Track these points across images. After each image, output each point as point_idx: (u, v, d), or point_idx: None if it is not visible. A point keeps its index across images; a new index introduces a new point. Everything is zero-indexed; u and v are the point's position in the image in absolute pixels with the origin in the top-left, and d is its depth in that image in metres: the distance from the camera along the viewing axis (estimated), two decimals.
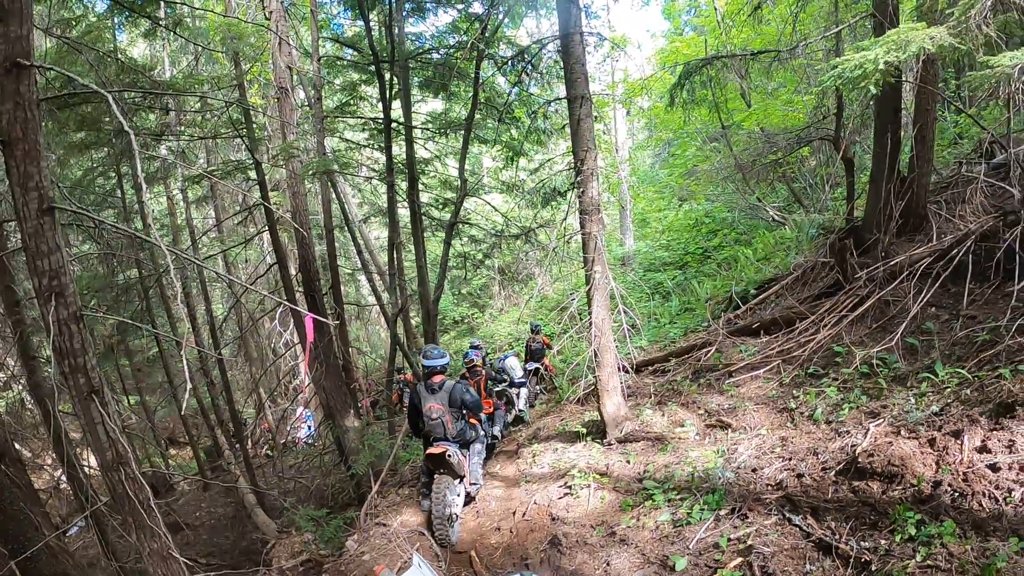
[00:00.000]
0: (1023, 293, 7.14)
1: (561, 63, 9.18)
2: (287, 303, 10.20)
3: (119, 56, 10.74)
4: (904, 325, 7.99)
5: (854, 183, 11.26)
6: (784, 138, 13.12)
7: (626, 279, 17.08)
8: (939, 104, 11.13)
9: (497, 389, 11.35)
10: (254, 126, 12.84)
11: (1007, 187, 9.01)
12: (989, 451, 5.36)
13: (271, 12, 11.82)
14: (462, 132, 13.95)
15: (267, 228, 13.18)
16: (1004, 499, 4.82)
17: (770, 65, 11.85)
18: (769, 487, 6.27)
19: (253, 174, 12.83)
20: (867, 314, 8.85)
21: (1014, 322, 6.79)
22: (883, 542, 4.85)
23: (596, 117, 9.25)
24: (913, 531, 4.78)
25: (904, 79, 9.52)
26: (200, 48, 13.89)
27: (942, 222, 9.33)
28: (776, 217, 15.48)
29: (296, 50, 13.75)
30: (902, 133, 9.87)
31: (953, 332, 7.53)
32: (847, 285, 9.61)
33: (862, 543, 4.93)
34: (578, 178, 8.16)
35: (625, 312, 8.57)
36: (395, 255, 13.75)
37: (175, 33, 12.06)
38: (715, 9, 15.98)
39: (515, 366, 11.69)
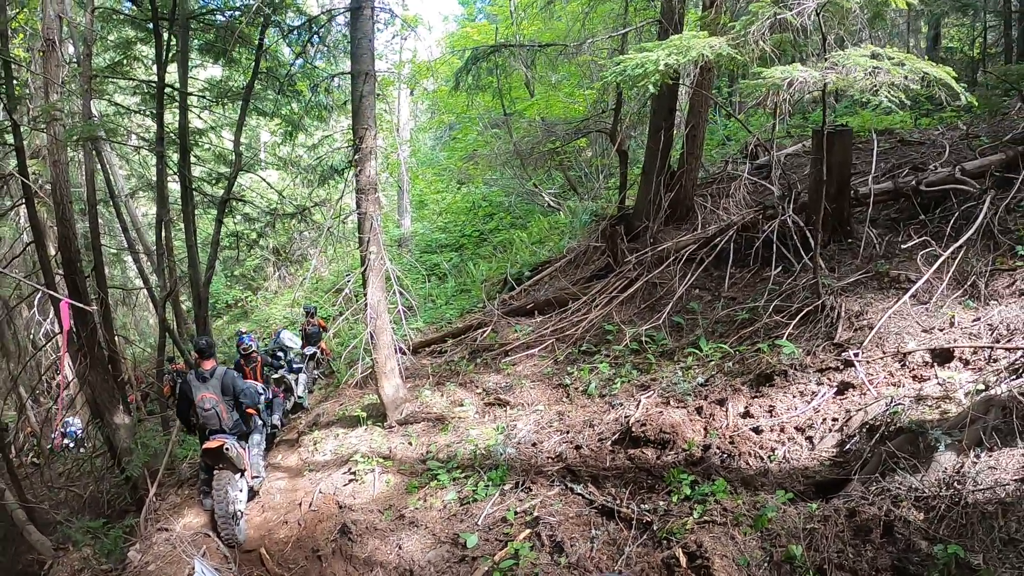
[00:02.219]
0: (779, 278, 7.90)
1: (349, 37, 8.77)
2: (44, 288, 8.76)
3: None
4: (671, 305, 8.53)
5: (627, 174, 11.89)
6: (563, 128, 13.56)
7: (403, 261, 16.81)
8: (711, 108, 12.10)
9: (275, 376, 10.64)
10: (14, 83, 10.94)
11: (768, 184, 9.96)
12: (752, 416, 5.82)
13: None
14: (240, 102, 12.93)
15: (24, 201, 11.30)
16: (768, 457, 5.22)
17: (557, 58, 12.20)
18: (550, 460, 6.35)
19: (10, 138, 10.91)
20: (636, 295, 9.31)
21: (771, 303, 7.46)
22: (661, 503, 5.04)
23: (380, 95, 8.96)
24: (688, 491, 5.02)
25: (682, 82, 10.17)
26: None
27: (707, 213, 10.10)
28: (552, 203, 16.00)
29: None
30: (675, 131, 10.58)
31: (716, 311, 8.13)
32: (617, 268, 10.06)
33: (642, 505, 5.10)
34: (356, 156, 7.85)
35: (401, 293, 8.39)
36: (164, 233, 12.46)
37: None
38: None
39: (291, 337, 11.00)
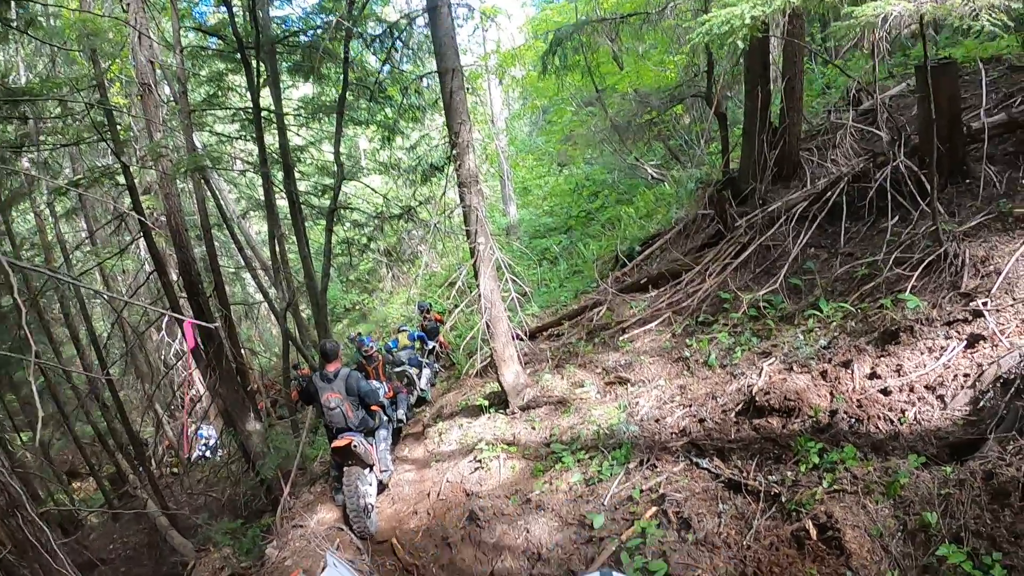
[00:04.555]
0: (896, 228, 7.51)
1: (431, 37, 8.94)
2: (167, 312, 9.56)
3: None
4: (786, 267, 8.26)
5: (728, 137, 11.54)
6: (658, 98, 13.29)
7: (512, 248, 17.00)
8: (806, 56, 11.55)
9: (397, 371, 11.10)
10: (118, 127, 11.86)
11: (875, 131, 9.42)
12: (879, 377, 5.61)
13: (128, 4, 10.90)
14: (334, 116, 13.42)
15: (142, 235, 12.30)
16: (899, 420, 5.03)
17: (640, 27, 11.91)
18: (674, 435, 6.34)
19: (122, 179, 11.90)
20: (750, 260, 9.08)
21: (890, 256, 7.10)
22: (789, 474, 4.97)
23: (469, 89, 9.08)
24: (816, 460, 4.92)
25: (771, 34, 9.77)
26: (56, 48, 12.66)
27: (815, 168, 9.69)
28: (655, 175, 15.75)
29: (157, 43, 12.67)
30: (772, 86, 10.17)
31: (833, 270, 7.82)
32: (728, 234, 9.84)
33: (769, 477, 5.04)
34: (454, 151, 7.99)
35: (513, 281, 8.47)
36: (277, 248, 13.14)
37: (28, 34, 10.93)
38: None
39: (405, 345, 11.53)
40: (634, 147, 16.24)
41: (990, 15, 5.11)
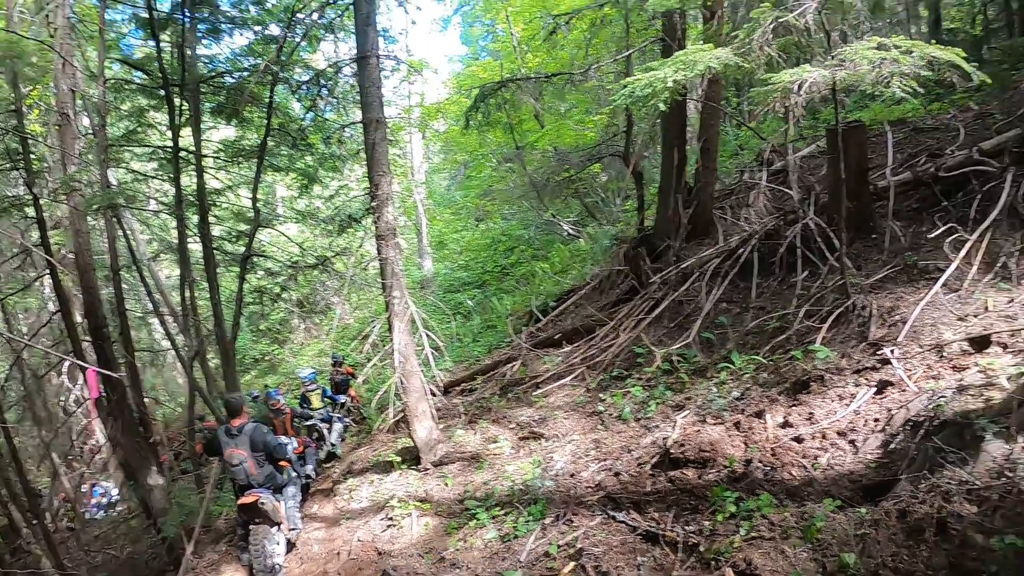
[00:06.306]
0: (806, 282, 7.78)
1: (357, 87, 8.94)
2: (70, 358, 8.94)
3: None
4: (699, 322, 8.39)
5: (644, 195, 11.82)
6: (577, 156, 13.59)
7: (427, 302, 16.77)
8: (722, 119, 12.04)
9: (306, 425, 10.64)
10: (32, 156, 11.26)
11: (786, 190, 9.85)
12: (792, 425, 5.64)
13: (56, 29, 10.45)
14: (255, 160, 13.13)
15: (48, 272, 11.59)
16: (812, 466, 5.05)
17: (564, 87, 12.25)
18: (590, 489, 6.21)
19: (31, 211, 11.24)
20: (663, 315, 9.19)
21: (800, 309, 7.31)
22: (707, 523, 4.88)
23: (392, 141, 9.09)
24: (733, 508, 4.86)
25: (690, 97, 10.16)
26: None
27: (728, 226, 10.00)
28: (571, 231, 15.97)
29: (81, 72, 12.19)
30: (688, 147, 10.52)
31: (745, 323, 7.98)
32: (643, 290, 9.96)
33: (687, 527, 4.94)
34: (373, 203, 7.97)
35: (428, 335, 8.43)
36: (188, 293, 12.57)
37: None
38: (512, 34, 16.36)
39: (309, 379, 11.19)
40: (551, 204, 16.47)
41: (901, 82, 5.41)
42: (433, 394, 8.80)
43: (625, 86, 6.81)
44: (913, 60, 5.39)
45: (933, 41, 5.80)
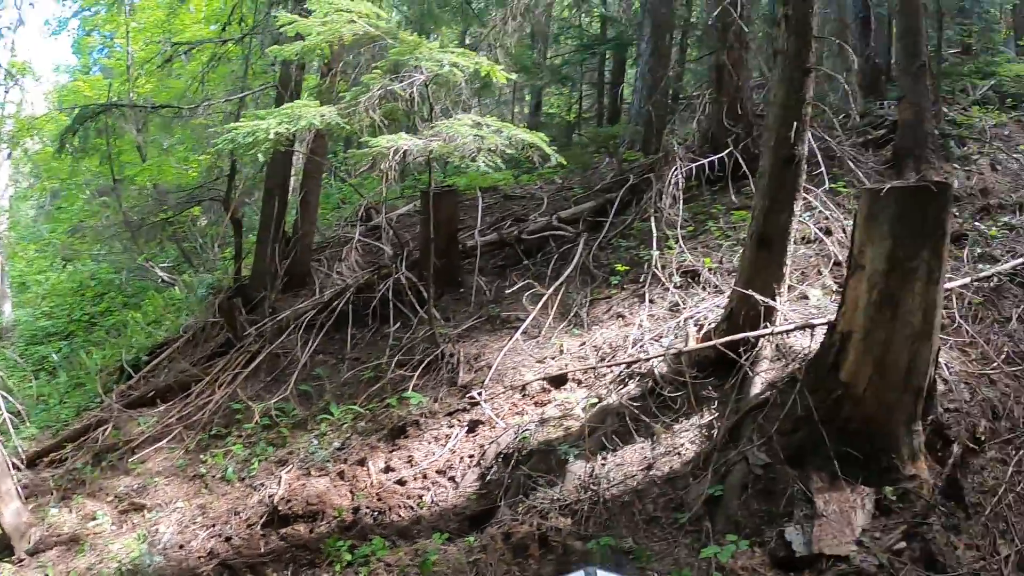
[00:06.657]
0: (398, 333, 8.32)
1: None
2: None
3: None
4: (296, 374, 8.40)
5: (242, 243, 11.50)
6: (176, 196, 12.79)
7: (4, 357, 14.13)
8: (326, 172, 12.34)
9: None
10: None
11: (381, 245, 10.44)
12: (394, 469, 6.02)
13: None
14: None
15: None
16: (418, 505, 5.48)
17: (172, 120, 11.52)
18: (202, 559, 5.85)
19: None
20: (260, 368, 9.01)
21: (394, 358, 7.81)
22: (325, 575, 4.98)
23: None
24: (349, 557, 5.00)
25: (297, 148, 10.23)
26: None
27: (324, 278, 10.23)
28: (166, 278, 14.78)
29: None
30: (290, 196, 10.58)
31: (342, 374, 8.25)
32: (238, 343, 9.65)
33: None
34: None
35: (5, 398, 7.27)
36: None
37: None
38: (128, 52, 14.87)
39: None
40: (146, 247, 15.15)
41: (486, 158, 6.21)
42: (17, 468, 7.51)
43: (230, 131, 6.63)
44: (502, 139, 6.18)
45: (525, 124, 6.76)
